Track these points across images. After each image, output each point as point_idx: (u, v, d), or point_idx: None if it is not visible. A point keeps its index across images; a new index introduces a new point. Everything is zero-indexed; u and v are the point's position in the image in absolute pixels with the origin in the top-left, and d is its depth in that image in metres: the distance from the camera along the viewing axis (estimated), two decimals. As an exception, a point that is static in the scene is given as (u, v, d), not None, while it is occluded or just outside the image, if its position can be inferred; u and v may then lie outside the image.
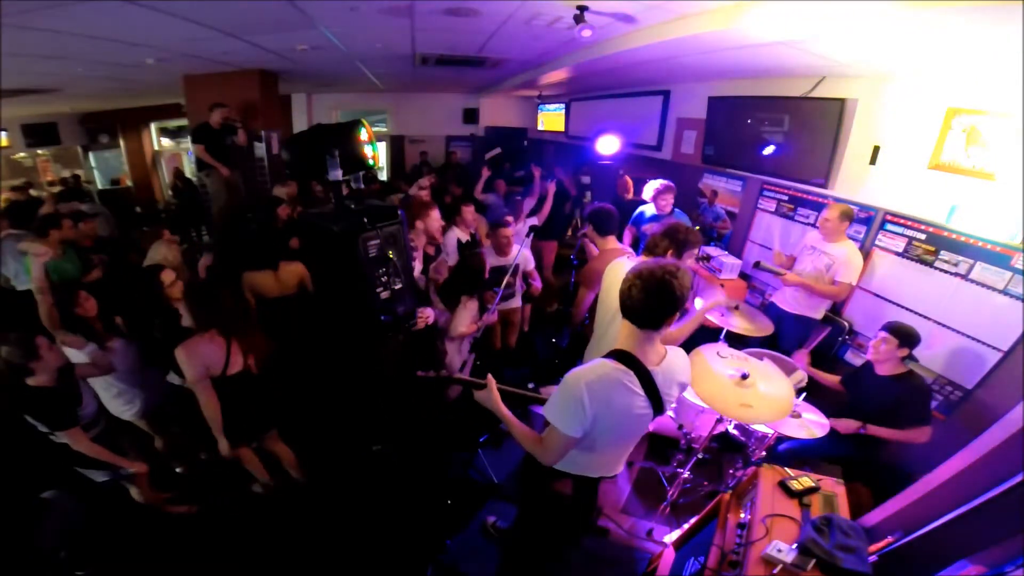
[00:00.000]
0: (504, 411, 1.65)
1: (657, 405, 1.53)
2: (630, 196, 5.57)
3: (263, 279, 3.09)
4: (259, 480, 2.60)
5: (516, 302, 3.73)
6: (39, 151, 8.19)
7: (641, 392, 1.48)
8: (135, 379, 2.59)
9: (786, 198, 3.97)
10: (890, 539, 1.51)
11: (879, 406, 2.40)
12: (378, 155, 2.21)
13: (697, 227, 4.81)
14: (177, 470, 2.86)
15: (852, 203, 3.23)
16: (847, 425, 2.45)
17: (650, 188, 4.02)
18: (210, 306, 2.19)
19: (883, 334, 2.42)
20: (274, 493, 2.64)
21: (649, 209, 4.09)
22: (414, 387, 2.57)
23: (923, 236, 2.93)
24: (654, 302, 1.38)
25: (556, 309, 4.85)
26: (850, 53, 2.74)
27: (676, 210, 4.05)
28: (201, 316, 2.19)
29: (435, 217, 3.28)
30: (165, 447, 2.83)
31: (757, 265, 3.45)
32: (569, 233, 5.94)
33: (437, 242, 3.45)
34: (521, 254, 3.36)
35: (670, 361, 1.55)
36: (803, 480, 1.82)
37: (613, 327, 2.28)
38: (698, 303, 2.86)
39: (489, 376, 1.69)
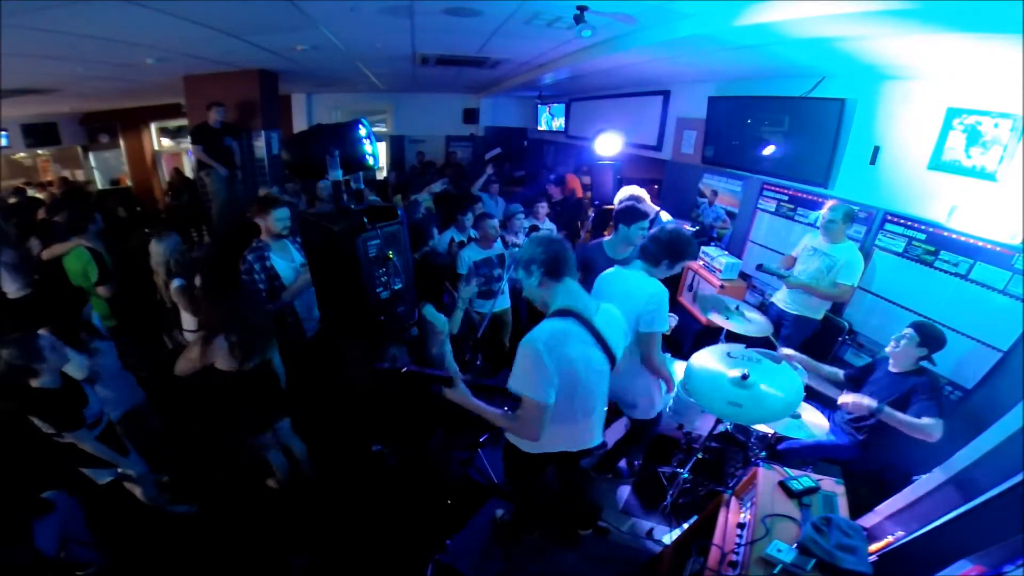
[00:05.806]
0: (476, 403, 1.70)
1: (607, 351, 1.71)
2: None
3: None
4: (275, 474, 2.63)
5: (505, 302, 3.71)
6: (39, 151, 8.19)
7: (590, 339, 1.67)
8: (116, 383, 2.57)
9: (786, 198, 3.97)
10: (890, 539, 1.51)
11: (889, 398, 2.35)
12: (377, 155, 2.21)
13: (697, 227, 4.82)
14: (176, 471, 2.86)
15: (852, 203, 3.23)
16: (857, 402, 2.31)
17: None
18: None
19: (907, 330, 2.38)
20: (285, 488, 2.67)
21: None
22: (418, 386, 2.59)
23: (923, 236, 2.93)
24: (552, 250, 1.65)
25: None
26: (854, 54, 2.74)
27: (659, 212, 4.01)
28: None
29: None
30: (139, 451, 2.81)
31: (761, 267, 3.44)
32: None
33: None
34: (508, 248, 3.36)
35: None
36: (803, 480, 1.82)
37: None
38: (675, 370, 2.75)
39: (453, 373, 1.74)
